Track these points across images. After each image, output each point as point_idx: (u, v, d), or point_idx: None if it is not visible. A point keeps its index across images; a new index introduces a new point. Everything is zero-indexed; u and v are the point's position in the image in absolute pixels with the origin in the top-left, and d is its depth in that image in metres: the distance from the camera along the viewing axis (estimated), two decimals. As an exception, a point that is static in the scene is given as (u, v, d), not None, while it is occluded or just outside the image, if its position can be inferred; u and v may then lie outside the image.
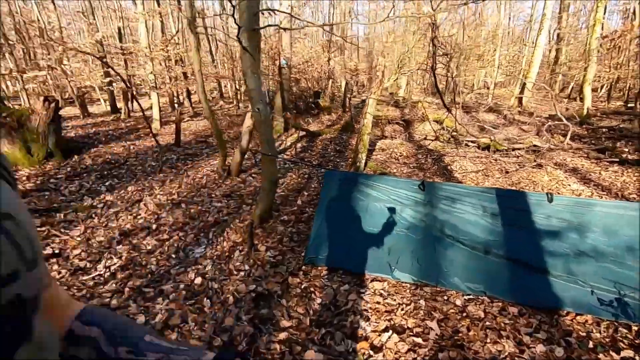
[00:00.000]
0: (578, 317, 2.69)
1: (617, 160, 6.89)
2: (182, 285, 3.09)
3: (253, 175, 6.35)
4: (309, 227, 4.34)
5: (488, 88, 21.69)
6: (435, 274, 3.16)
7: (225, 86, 22.82)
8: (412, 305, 2.87)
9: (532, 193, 3.26)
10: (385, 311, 2.83)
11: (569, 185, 5.92)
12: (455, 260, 3.18)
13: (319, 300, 2.99)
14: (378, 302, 2.94)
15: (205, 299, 2.91)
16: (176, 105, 15.16)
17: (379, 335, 2.54)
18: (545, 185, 5.93)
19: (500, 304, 2.87)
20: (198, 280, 3.18)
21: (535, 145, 7.03)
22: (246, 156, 7.01)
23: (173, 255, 3.61)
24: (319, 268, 3.44)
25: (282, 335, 2.54)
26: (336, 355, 2.37)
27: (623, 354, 2.33)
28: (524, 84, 17.52)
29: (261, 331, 2.59)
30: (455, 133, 9.90)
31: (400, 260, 3.31)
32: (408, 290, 3.09)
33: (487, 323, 2.63)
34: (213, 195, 5.32)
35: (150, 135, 7.69)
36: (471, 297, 2.97)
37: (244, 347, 2.43)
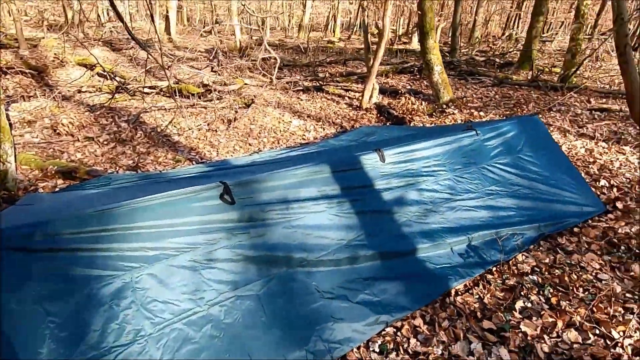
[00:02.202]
0: (458, 287, 2.34)
1: (301, 88, 7.47)
2: None
3: None
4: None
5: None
6: (315, 339, 1.82)
7: None
8: None
9: (361, 155, 2.42)
10: None
11: (290, 121, 5.76)
12: (330, 299, 1.95)
13: None
14: None
15: None
16: None
17: None
18: (273, 127, 5.44)
19: (406, 324, 2.04)
20: None
21: (245, 84, 6.30)
22: None
23: None
24: None
25: None
26: None
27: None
28: (167, 16, 16.07)
29: None
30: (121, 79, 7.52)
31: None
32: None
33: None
34: None
35: None
36: (378, 342, 1.94)
37: None
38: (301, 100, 6.90)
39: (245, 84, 6.45)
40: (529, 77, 8.83)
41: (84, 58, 9.32)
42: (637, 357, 1.84)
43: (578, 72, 8.25)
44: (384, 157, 2.46)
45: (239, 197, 1.90)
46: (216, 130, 5.10)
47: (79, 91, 7.24)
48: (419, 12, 5.42)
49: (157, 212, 1.68)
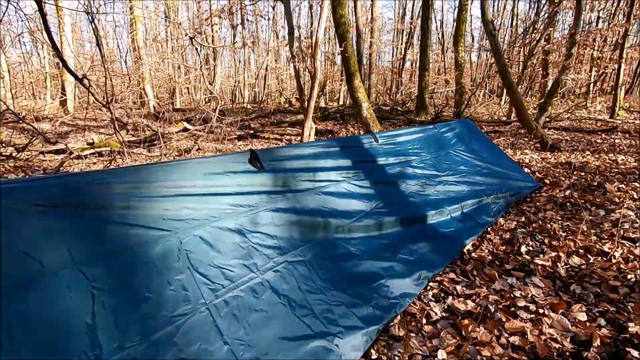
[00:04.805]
0: (468, 247, 2.45)
1: (235, 137, 7.47)
2: None
3: None
4: None
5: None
6: (376, 296, 1.69)
7: None
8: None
9: (359, 136, 2.53)
10: None
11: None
12: (374, 260, 1.87)
13: None
14: None
15: None
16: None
17: None
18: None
19: (443, 278, 2.02)
20: None
21: (186, 129, 6.02)
22: None
23: None
24: None
25: None
26: None
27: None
28: (62, 92, 14.88)
29: None
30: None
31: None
32: None
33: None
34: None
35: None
36: (430, 294, 1.87)
37: None
38: (240, 147, 6.87)
39: (186, 128, 6.20)
40: (428, 118, 10.42)
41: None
42: (629, 264, 2.14)
43: (466, 109, 10.09)
44: (377, 138, 2.61)
45: (267, 164, 1.79)
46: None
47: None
48: (345, 55, 6.18)
49: (196, 173, 1.49)
